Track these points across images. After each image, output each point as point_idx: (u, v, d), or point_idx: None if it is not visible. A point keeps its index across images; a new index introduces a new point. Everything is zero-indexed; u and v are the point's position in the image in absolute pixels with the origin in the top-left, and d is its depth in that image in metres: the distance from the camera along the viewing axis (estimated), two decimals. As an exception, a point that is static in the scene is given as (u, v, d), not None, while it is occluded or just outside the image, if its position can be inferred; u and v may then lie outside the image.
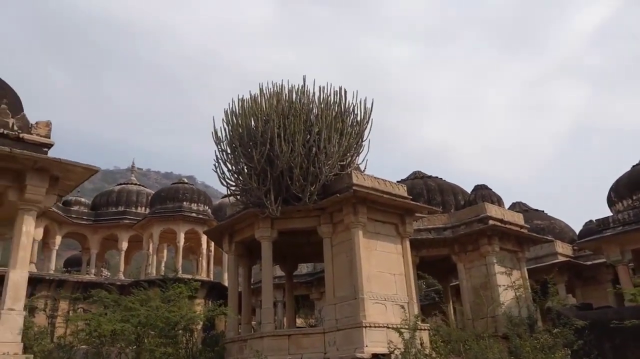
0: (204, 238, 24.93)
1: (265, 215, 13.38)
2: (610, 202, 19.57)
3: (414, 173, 20.09)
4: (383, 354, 11.77)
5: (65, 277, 22.43)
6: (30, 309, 21.13)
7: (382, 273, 13.24)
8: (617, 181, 19.52)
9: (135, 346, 10.15)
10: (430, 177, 20.05)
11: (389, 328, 12.35)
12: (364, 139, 14.64)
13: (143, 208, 28.87)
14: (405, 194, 14.46)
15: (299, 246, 16.66)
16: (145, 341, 9.07)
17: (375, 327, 12.13)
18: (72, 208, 28.49)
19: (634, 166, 19.48)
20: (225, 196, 32.42)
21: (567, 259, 21.69)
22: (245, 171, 13.37)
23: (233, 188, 13.95)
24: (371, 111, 14.48)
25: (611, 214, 19.08)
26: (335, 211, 13.60)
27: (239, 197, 14.48)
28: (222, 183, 13.84)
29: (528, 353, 11.44)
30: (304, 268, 22.55)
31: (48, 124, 9.21)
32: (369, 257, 13.00)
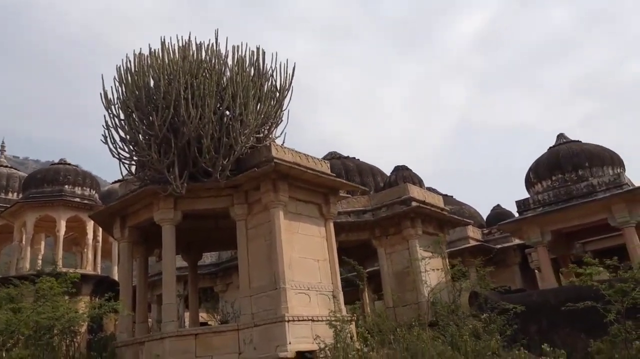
0: (90, 226, 21.76)
1: (168, 193, 11.21)
2: (529, 183, 19.59)
3: (331, 153, 18.72)
4: (309, 352, 10.22)
5: None
6: None
7: (305, 259, 11.68)
8: (537, 162, 19.57)
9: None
10: (347, 157, 18.81)
11: (314, 321, 10.84)
12: (283, 109, 12.92)
13: (15, 194, 24.76)
14: (329, 172, 12.98)
15: (205, 231, 14.64)
16: (4, 354, 6.69)
17: (299, 321, 10.55)
18: None
19: (550, 148, 19.65)
20: (115, 182, 29.01)
21: (479, 242, 21.61)
22: (144, 139, 11.06)
23: (127, 161, 11.56)
24: (292, 76, 12.78)
25: (529, 196, 19.06)
26: (252, 189, 11.77)
27: (134, 173, 12.10)
28: (112, 154, 11.41)
29: (465, 341, 10.46)
30: (207, 258, 20.36)
31: None
32: (290, 241, 11.36)
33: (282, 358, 9.85)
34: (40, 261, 22.93)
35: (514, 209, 19.77)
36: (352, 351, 9.97)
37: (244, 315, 11.23)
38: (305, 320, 10.69)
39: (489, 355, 10.25)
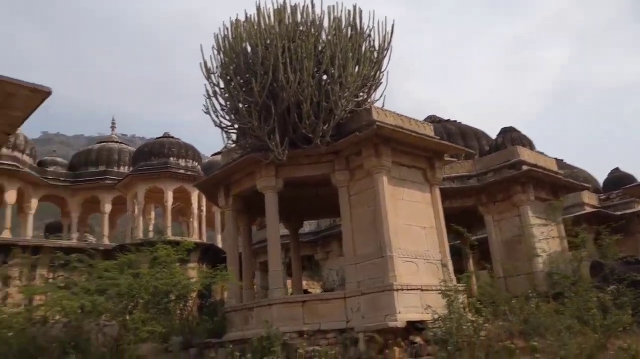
0: (195, 197, 22.69)
1: (269, 161, 11.11)
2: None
3: (430, 117, 17.76)
4: (420, 322, 9.78)
5: (41, 242, 20.17)
6: (4, 279, 19.05)
7: (411, 226, 11.16)
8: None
9: (120, 319, 8.03)
10: (448, 121, 17.80)
11: (423, 290, 10.36)
12: (382, 70, 12.27)
13: (126, 167, 26.42)
14: (434, 134, 12.25)
15: (305, 199, 14.48)
16: (128, 317, 6.98)
17: (408, 290, 10.12)
18: (48, 169, 25.98)
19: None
20: (214, 154, 30.02)
21: (596, 209, 19.79)
22: (244, 107, 10.97)
23: (229, 130, 11.58)
24: (392, 35, 12.05)
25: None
26: (353, 155, 11.37)
27: (235, 141, 12.13)
28: (215, 123, 11.47)
29: (594, 315, 9.48)
30: (307, 226, 20.43)
31: (-20, 33, 6.78)
32: (395, 208, 10.87)
33: (392, 327, 9.51)
34: (151, 230, 24.35)
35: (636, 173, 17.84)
36: (466, 323, 9.39)
37: (349, 283, 10.99)
38: (415, 289, 10.24)
39: (621, 331, 9.26)
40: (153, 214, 26.80)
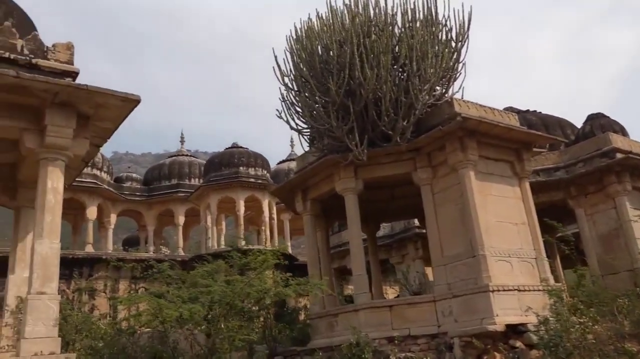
0: (266, 204, 22.74)
1: (348, 162, 10.80)
2: None
3: (508, 109, 16.86)
4: (520, 325, 9.10)
5: (123, 255, 20.78)
6: (90, 292, 19.74)
7: (502, 222, 10.49)
8: None
9: (204, 326, 7.85)
10: (527, 111, 16.84)
11: (520, 290, 9.67)
12: (460, 60, 11.70)
13: (196, 179, 26.91)
14: (519, 124, 11.54)
15: (381, 201, 14.09)
16: (222, 324, 6.82)
17: (504, 291, 9.48)
18: (124, 184, 26.90)
19: None
20: (280, 162, 30.15)
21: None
22: (320, 107, 10.73)
23: (304, 131, 11.36)
24: (469, 23, 11.48)
25: None
26: (435, 150, 10.86)
27: (311, 144, 11.91)
28: (290, 126, 11.31)
29: None
30: (380, 230, 19.95)
31: (69, 47, 6.87)
32: (484, 204, 10.25)
33: (490, 331, 8.90)
34: (223, 240, 24.62)
35: None
36: (574, 325, 8.63)
37: (438, 285, 10.46)
38: (511, 290, 9.58)
39: None
40: (224, 224, 27.15)
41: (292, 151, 30.63)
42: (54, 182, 6.41)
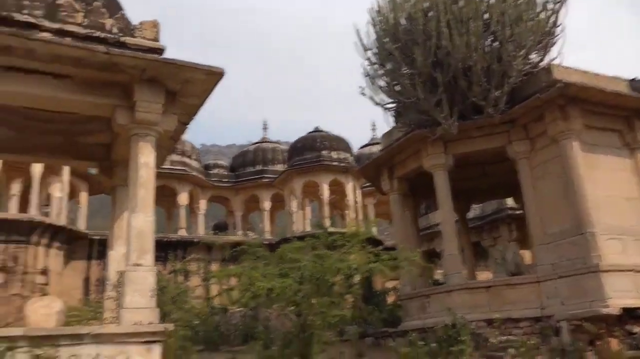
0: (349, 189, 22.55)
1: (437, 136, 10.28)
2: None
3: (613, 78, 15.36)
4: (639, 309, 8.21)
5: (214, 239, 21.44)
6: (185, 273, 20.61)
7: (611, 197, 9.53)
8: None
9: (295, 306, 7.68)
10: (633, 80, 15.21)
11: (637, 271, 8.72)
12: (558, 23, 10.72)
13: (280, 165, 27.22)
14: (629, 91, 10.40)
15: (472, 180, 13.36)
16: (314, 301, 6.67)
17: (617, 271, 8.60)
18: (212, 171, 27.82)
19: None
20: (363, 146, 29.79)
21: None
22: (406, 80, 10.25)
23: (390, 106, 10.94)
24: (567, -18, 10.45)
25: None
26: (532, 121, 10.06)
27: (396, 119, 11.46)
28: (375, 102, 10.91)
29: None
30: (470, 212, 19.08)
31: (155, 25, 6.92)
32: (590, 178, 9.35)
33: (603, 314, 8.10)
34: (309, 224, 24.76)
35: None
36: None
37: (541, 266, 9.71)
38: (625, 270, 8.68)
39: None
40: (308, 209, 27.32)
41: (373, 134, 30.20)
42: (145, 158, 6.51)
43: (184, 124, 7.86)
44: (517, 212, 16.95)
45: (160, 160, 8.33)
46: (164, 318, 7.26)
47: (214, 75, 6.61)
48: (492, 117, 10.03)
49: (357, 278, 7.41)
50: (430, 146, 10.65)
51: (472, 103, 10.11)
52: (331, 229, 16.75)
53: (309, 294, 6.84)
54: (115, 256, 7.91)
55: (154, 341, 5.82)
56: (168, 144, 8.27)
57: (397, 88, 10.59)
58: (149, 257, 6.19)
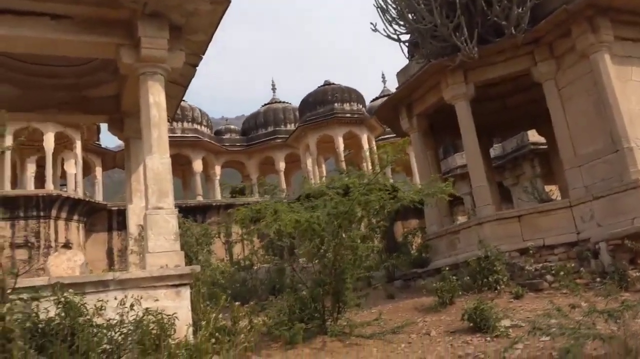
0: (365, 140, 22.15)
1: (457, 64, 9.76)
2: None
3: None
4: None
5: (232, 201, 21.30)
6: (207, 237, 20.60)
7: (647, 111, 9.00)
8: None
9: (323, 243, 7.11)
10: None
11: (678, 185, 8.27)
12: None
13: (292, 125, 26.80)
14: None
15: (492, 114, 12.83)
16: (343, 234, 6.33)
17: (657, 186, 8.15)
18: (224, 136, 27.52)
19: None
20: (374, 99, 29.16)
21: None
22: (422, 5, 9.66)
23: (405, 36, 10.40)
24: None
25: None
26: (558, 38, 9.50)
27: (413, 56, 10.93)
28: (389, 36, 10.36)
29: None
30: (490, 151, 18.59)
31: (153, -45, 6.46)
32: (625, 91, 8.84)
33: (645, 230, 7.73)
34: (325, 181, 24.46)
35: None
36: None
37: (573, 189, 9.30)
38: (666, 185, 8.23)
39: None
40: (324, 167, 27.00)
41: (384, 87, 29.55)
42: (155, 97, 6.16)
43: (192, 66, 7.48)
44: (540, 147, 16.45)
45: (171, 111, 8.00)
46: (189, 261, 7.04)
47: (219, 5, 6.18)
48: (514, 38, 9.48)
49: (389, 206, 6.98)
50: (450, 75, 10.15)
51: (492, 24, 9.55)
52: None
53: (339, 226, 6.53)
54: (135, 209, 7.68)
55: (183, 284, 5.59)
56: (177, 91, 7.93)
57: (412, 16, 10.02)
58: (169, 201, 5.92)
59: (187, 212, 20.14)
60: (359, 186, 6.73)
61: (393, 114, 12.24)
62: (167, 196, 5.93)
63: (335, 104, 21.76)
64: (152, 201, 5.86)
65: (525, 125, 13.99)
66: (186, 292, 5.64)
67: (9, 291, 4.31)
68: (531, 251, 8.88)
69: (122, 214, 17.39)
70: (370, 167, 22.67)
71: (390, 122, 13.10)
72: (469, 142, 10.21)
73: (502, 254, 8.73)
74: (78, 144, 19.78)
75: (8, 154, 17.49)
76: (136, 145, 7.80)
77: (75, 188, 19.94)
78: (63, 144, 19.96)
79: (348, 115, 21.71)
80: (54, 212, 17.19)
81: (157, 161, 5.97)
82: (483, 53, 9.69)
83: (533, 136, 16.54)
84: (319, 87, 23.26)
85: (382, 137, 23.59)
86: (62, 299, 4.38)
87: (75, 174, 20.22)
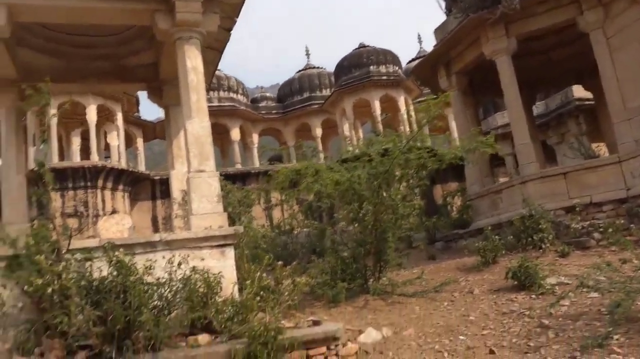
0: (402, 102, 21.77)
1: (497, 17, 9.38)
2: None
3: None
4: None
5: (270, 168, 21.49)
6: (247, 203, 20.95)
7: None
8: None
9: (363, 203, 7.01)
10: None
11: None
12: None
13: (327, 90, 26.57)
14: None
15: (535, 69, 12.39)
16: (384, 194, 6.27)
17: None
18: (260, 104, 27.57)
19: None
20: (410, 61, 28.50)
21: None
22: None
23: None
24: None
25: None
26: (607, -16, 8.97)
27: (450, 11, 10.57)
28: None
29: None
30: (533, 109, 17.98)
31: None
32: (680, 38, 8.32)
33: (701, 184, 7.39)
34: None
35: None
36: None
37: (622, 144, 8.95)
38: None
39: None
40: (361, 132, 26.79)
41: (420, 48, 28.86)
42: (192, 61, 6.20)
43: (227, 30, 7.46)
44: (586, 102, 15.80)
45: (208, 76, 8.02)
46: (233, 223, 7.16)
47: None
48: (558, -13, 9.02)
49: (430, 163, 6.89)
50: (490, 29, 9.80)
51: (534, -27, 9.09)
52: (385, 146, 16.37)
53: (379, 186, 6.49)
54: (177, 175, 7.85)
55: (227, 244, 5.71)
56: (213, 56, 7.94)
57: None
58: (210, 164, 6.02)
59: (226, 179, 20.08)
60: (399, 144, 6.63)
61: (431, 73, 11.95)
62: (208, 159, 6.02)
63: (371, 67, 21.39)
64: (194, 165, 5.96)
65: (571, 80, 13.47)
66: (230, 252, 5.77)
67: (64, 252, 4.51)
68: (577, 209, 8.64)
69: (164, 183, 17.83)
70: (407, 129, 22.39)
71: (428, 82, 12.81)
72: (511, 98, 9.89)
73: (547, 212, 8.54)
74: (119, 116, 20.20)
75: (54, 127, 18.05)
76: (176, 112, 7.91)
77: (119, 159, 20.47)
78: (105, 116, 20.43)
79: (384, 77, 21.33)
80: (100, 183, 17.76)
81: (197, 124, 6.05)
82: (525, 3, 9.29)
83: (578, 91, 15.88)
84: (354, 50, 22.87)
85: (419, 99, 23.16)
86: (114, 258, 4.55)
87: (118, 146, 20.72)
